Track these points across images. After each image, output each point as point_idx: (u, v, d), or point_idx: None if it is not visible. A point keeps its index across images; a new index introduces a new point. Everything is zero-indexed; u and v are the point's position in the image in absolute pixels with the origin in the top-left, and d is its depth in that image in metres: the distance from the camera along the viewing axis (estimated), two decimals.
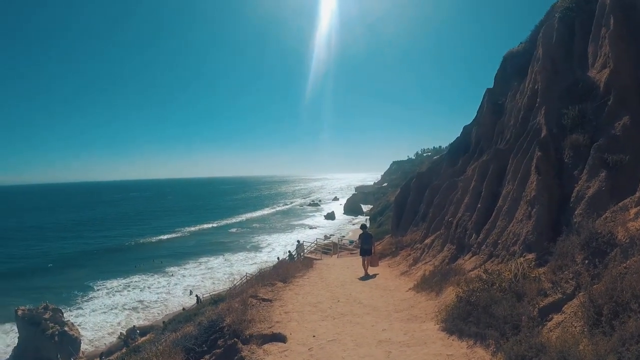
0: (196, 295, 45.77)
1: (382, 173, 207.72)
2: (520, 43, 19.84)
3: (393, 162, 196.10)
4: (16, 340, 47.62)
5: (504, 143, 15.48)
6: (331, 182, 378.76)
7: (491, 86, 21.58)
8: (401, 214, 25.47)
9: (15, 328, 49.54)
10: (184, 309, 38.88)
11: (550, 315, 6.20)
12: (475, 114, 23.26)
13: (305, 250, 27.60)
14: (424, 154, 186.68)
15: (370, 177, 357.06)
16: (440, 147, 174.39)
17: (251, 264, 62.62)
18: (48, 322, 43.47)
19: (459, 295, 7.64)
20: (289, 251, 37.82)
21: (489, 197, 13.11)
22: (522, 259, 8.50)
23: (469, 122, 24.50)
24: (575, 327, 5.45)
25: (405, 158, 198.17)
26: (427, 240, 16.97)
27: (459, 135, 25.83)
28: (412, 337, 7.36)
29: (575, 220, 8.13)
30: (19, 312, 45.65)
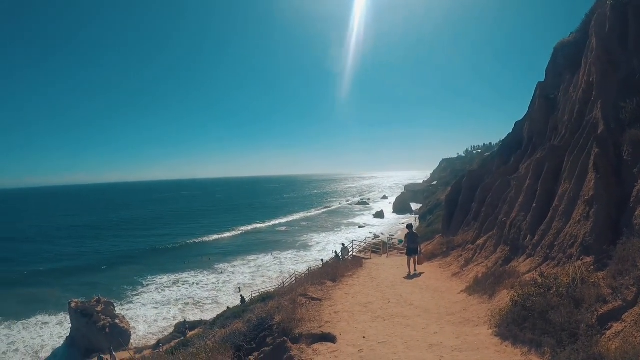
0: (241, 296, 46.28)
1: (432, 171, 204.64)
2: (571, 33, 18.88)
3: (443, 159, 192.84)
4: (68, 331, 49.73)
5: (558, 139, 14.86)
6: (380, 181, 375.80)
7: (542, 79, 20.82)
8: (452, 214, 24.94)
9: (68, 319, 51.73)
10: (228, 308, 39.25)
11: (610, 324, 5.87)
12: (527, 108, 22.54)
13: (353, 251, 27.45)
14: (474, 151, 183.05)
15: (419, 175, 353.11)
16: (490, 143, 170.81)
17: (300, 263, 62.90)
18: (100, 314, 44.94)
19: (514, 299, 7.36)
20: (335, 252, 37.77)
21: (545, 196, 12.62)
22: (579, 262, 8.13)
23: (520, 118, 23.78)
24: (636, 338, 5.16)
25: (455, 155, 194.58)
26: (480, 241, 16.48)
27: (510, 131, 25.12)
28: (464, 342, 7.15)
29: (636, 221, 7.68)
30: (72, 305, 47.41)
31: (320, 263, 35.93)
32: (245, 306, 26.43)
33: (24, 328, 52.33)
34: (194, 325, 40.64)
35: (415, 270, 16.64)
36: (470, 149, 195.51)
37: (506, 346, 6.61)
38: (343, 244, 34.03)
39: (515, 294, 7.55)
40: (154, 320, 52.89)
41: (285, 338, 8.12)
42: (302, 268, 52.16)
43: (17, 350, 46.96)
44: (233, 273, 70.15)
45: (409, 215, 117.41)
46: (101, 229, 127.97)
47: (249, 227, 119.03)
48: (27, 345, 48.14)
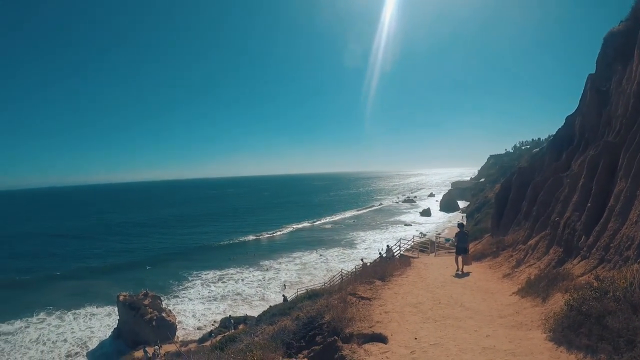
0: (283, 296, 46.58)
1: (479, 168, 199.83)
2: (621, 22, 18.03)
3: (490, 156, 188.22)
4: (116, 323, 51.29)
5: (613, 135, 14.32)
6: (427, 178, 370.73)
7: (593, 71, 20.00)
8: (502, 212, 24.39)
9: (115, 312, 53.39)
10: (270, 307, 39.56)
11: None
12: (578, 102, 21.77)
13: (400, 250, 27.26)
14: (523, 147, 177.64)
15: (467, 172, 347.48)
16: (539, 139, 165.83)
17: (347, 261, 62.85)
18: (147, 307, 46.26)
19: (569, 303, 7.16)
20: (380, 252, 37.59)
21: (600, 195, 12.20)
22: (637, 265, 7.85)
23: (571, 112, 23.00)
24: None
25: (503, 151, 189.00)
26: (531, 241, 16.02)
27: (560, 126, 24.36)
28: (517, 346, 7.00)
29: None
30: (121, 298, 49.01)
31: (360, 262, 35.68)
32: (291, 303, 26.53)
33: (74, 319, 54.86)
34: (239, 320, 41.46)
35: (462, 270, 16.54)
36: (518, 145, 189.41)
37: (561, 351, 6.43)
38: (388, 245, 33.82)
39: (570, 298, 7.33)
40: (200, 315, 54.23)
41: (336, 337, 8.10)
42: (348, 266, 52.20)
43: (65, 340, 49.17)
44: (279, 270, 70.81)
45: (456, 213, 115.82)
46: (149, 226, 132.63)
47: (295, 225, 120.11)
48: (75, 336, 50.33)
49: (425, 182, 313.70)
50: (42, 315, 56.58)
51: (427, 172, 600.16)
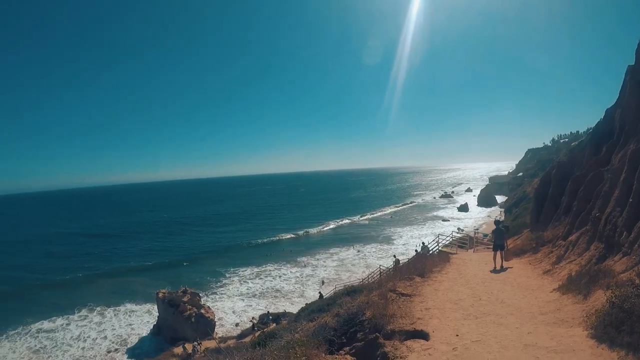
0: (319, 293, 46.69)
1: (517, 162, 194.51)
2: None
3: (528, 149, 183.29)
4: (155, 320, 52.22)
5: None
6: (464, 173, 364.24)
7: (633, 62, 19.35)
8: (541, 207, 23.94)
9: (154, 309, 54.38)
10: (308, 303, 39.61)
11: None
12: (618, 94, 21.18)
13: (438, 246, 27.10)
14: (561, 141, 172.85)
15: (504, 166, 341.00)
16: (577, 132, 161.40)
17: (385, 257, 62.63)
18: (186, 304, 46.62)
19: (611, 300, 7.14)
20: (416, 250, 37.33)
21: None
22: None
23: (611, 104, 22.40)
24: None
25: (541, 145, 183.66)
26: (572, 237, 15.71)
27: (600, 119, 23.79)
28: (559, 343, 7.01)
29: None
30: (160, 295, 49.65)
31: (393, 258, 35.37)
32: (329, 300, 26.58)
33: (114, 315, 56.00)
34: (277, 317, 41.48)
35: (501, 266, 16.48)
36: (556, 138, 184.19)
37: (602, 349, 6.42)
38: (423, 242, 33.54)
39: (612, 295, 7.29)
40: (238, 311, 54.62)
41: (378, 334, 8.23)
42: (386, 262, 51.96)
43: (105, 337, 50.05)
44: (316, 267, 70.91)
45: (494, 208, 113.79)
46: (185, 224, 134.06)
47: (331, 221, 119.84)
48: (115, 333, 51.09)
49: (462, 177, 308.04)
50: (83, 312, 58.24)
51: (464, 166, 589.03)
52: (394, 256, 39.86)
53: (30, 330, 53.25)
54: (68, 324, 54.37)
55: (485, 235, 30.58)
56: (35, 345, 49.21)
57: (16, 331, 53.30)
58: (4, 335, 52.21)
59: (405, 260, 32.62)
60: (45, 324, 54.45)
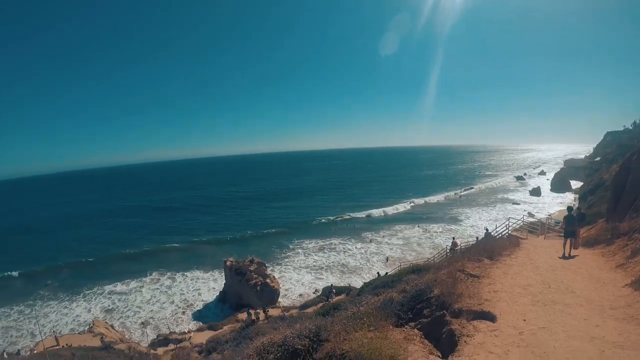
0: (377, 273, 46.47)
1: (595, 145, 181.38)
2: None
3: (607, 132, 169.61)
4: (221, 287, 53.93)
5: None
6: (538, 154, 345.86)
7: None
8: (619, 196, 22.47)
9: (221, 276, 56.30)
10: (373, 278, 39.31)
11: None
12: None
13: (508, 229, 26.34)
14: None
15: (581, 149, 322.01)
16: None
17: (451, 238, 61.72)
18: (252, 273, 47.83)
19: None
20: (477, 238, 36.37)
21: None
22: None
23: None
24: None
25: (621, 128, 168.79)
26: None
27: None
28: (627, 339, 6.84)
29: None
30: (227, 263, 51.19)
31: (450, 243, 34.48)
32: (394, 277, 26.52)
33: (183, 280, 58.79)
34: (340, 290, 41.48)
35: (569, 253, 16.10)
36: (638, 122, 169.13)
37: None
38: (487, 229, 32.58)
39: None
40: (302, 283, 55.63)
41: (445, 311, 8.32)
42: (449, 243, 51.31)
43: (172, 302, 52.37)
44: (381, 243, 70.82)
45: (567, 194, 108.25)
46: (252, 199, 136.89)
47: (398, 198, 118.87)
48: (183, 297, 53.37)
49: (536, 158, 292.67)
50: (155, 275, 61.75)
51: (539, 147, 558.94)
52: (453, 238, 39.05)
53: (104, 291, 57.10)
54: (141, 287, 57.91)
55: (557, 223, 29.34)
56: (109, 306, 52.63)
57: (92, 291, 57.32)
58: (81, 295, 56.47)
59: (466, 244, 32.10)
60: (119, 287, 58.35)
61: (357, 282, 48.35)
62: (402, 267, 37.49)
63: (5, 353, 34.57)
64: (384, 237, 74.76)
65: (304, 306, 39.91)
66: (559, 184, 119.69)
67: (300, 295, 51.12)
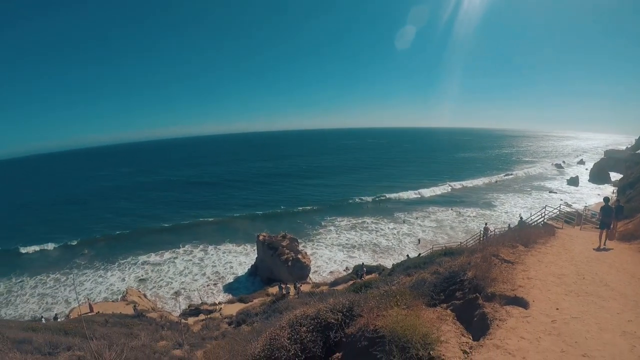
0: (407, 255, 46.26)
1: (638, 137, 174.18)
2: None
3: None
4: (252, 261, 54.54)
5: None
6: (578, 143, 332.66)
7: None
8: None
9: (253, 250, 57.02)
10: (403, 259, 39.30)
11: None
12: None
13: (544, 218, 25.99)
14: None
15: (623, 140, 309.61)
16: None
17: (484, 222, 60.85)
18: (284, 248, 48.28)
19: None
20: (509, 225, 35.84)
21: None
22: None
23: None
24: None
25: None
26: None
27: None
28: None
29: None
30: (260, 237, 51.87)
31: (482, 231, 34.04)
32: (425, 258, 26.55)
33: (215, 253, 59.98)
34: (370, 269, 41.52)
35: (604, 245, 15.89)
36: None
37: None
38: (521, 217, 32.06)
39: None
40: (332, 260, 56.14)
41: (478, 295, 8.39)
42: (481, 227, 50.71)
43: (204, 274, 53.59)
44: (413, 224, 70.79)
45: (606, 185, 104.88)
46: (286, 176, 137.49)
47: (432, 180, 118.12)
48: (215, 270, 54.65)
49: (576, 146, 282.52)
50: (188, 247, 63.35)
51: (579, 135, 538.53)
52: (485, 224, 38.61)
53: (138, 261, 59.11)
54: (175, 258, 59.53)
55: (594, 214, 28.86)
56: (142, 275, 54.48)
57: (126, 261, 59.34)
58: (115, 264, 58.51)
59: (499, 230, 31.76)
60: (153, 257, 60.20)
61: (388, 263, 48.41)
62: (434, 249, 37.33)
63: (43, 318, 36.06)
64: (417, 218, 74.57)
65: (334, 283, 40.12)
66: (598, 175, 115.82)
67: (331, 272, 51.69)
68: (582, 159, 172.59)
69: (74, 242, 70.10)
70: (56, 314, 40.48)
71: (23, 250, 67.85)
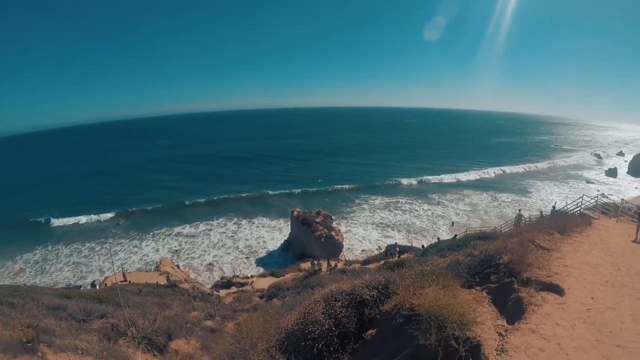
0: (438, 238, 45.89)
1: None
2: None
3: None
4: (286, 236, 54.80)
5: None
6: (620, 134, 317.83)
7: None
8: None
9: (287, 226, 57.17)
10: (437, 241, 38.90)
11: None
12: None
13: (581, 207, 25.51)
14: None
15: None
16: None
17: (519, 208, 60.02)
18: (318, 225, 48.26)
19: None
20: (541, 212, 35.10)
21: None
22: None
23: None
24: None
25: None
26: None
27: None
28: None
29: None
30: (294, 213, 52.14)
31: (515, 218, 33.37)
32: (459, 241, 26.36)
33: (249, 226, 60.58)
34: (403, 250, 40.80)
35: (637, 238, 15.60)
36: None
37: None
38: (554, 206, 31.36)
39: None
40: (366, 238, 56.22)
41: (514, 279, 8.43)
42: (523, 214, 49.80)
43: (237, 247, 54.23)
44: (447, 207, 70.05)
45: None
46: (323, 154, 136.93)
47: (467, 163, 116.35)
48: (247, 243, 55.16)
49: (617, 137, 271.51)
50: (222, 220, 64.12)
51: (621, 126, 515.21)
52: (519, 210, 37.96)
53: (172, 232, 60.14)
54: (209, 230, 60.38)
55: (631, 208, 28.06)
56: (176, 247, 55.46)
57: (161, 232, 60.37)
58: (150, 235, 59.66)
59: (534, 216, 31.23)
60: (187, 229, 61.08)
61: (420, 244, 48.15)
62: (467, 232, 36.87)
63: (81, 287, 37.29)
64: (451, 200, 73.94)
65: (367, 262, 39.63)
66: (637, 168, 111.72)
67: (363, 250, 51.88)
68: (622, 151, 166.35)
69: (109, 214, 71.37)
70: (94, 281, 41.74)
71: (56, 221, 69.21)
